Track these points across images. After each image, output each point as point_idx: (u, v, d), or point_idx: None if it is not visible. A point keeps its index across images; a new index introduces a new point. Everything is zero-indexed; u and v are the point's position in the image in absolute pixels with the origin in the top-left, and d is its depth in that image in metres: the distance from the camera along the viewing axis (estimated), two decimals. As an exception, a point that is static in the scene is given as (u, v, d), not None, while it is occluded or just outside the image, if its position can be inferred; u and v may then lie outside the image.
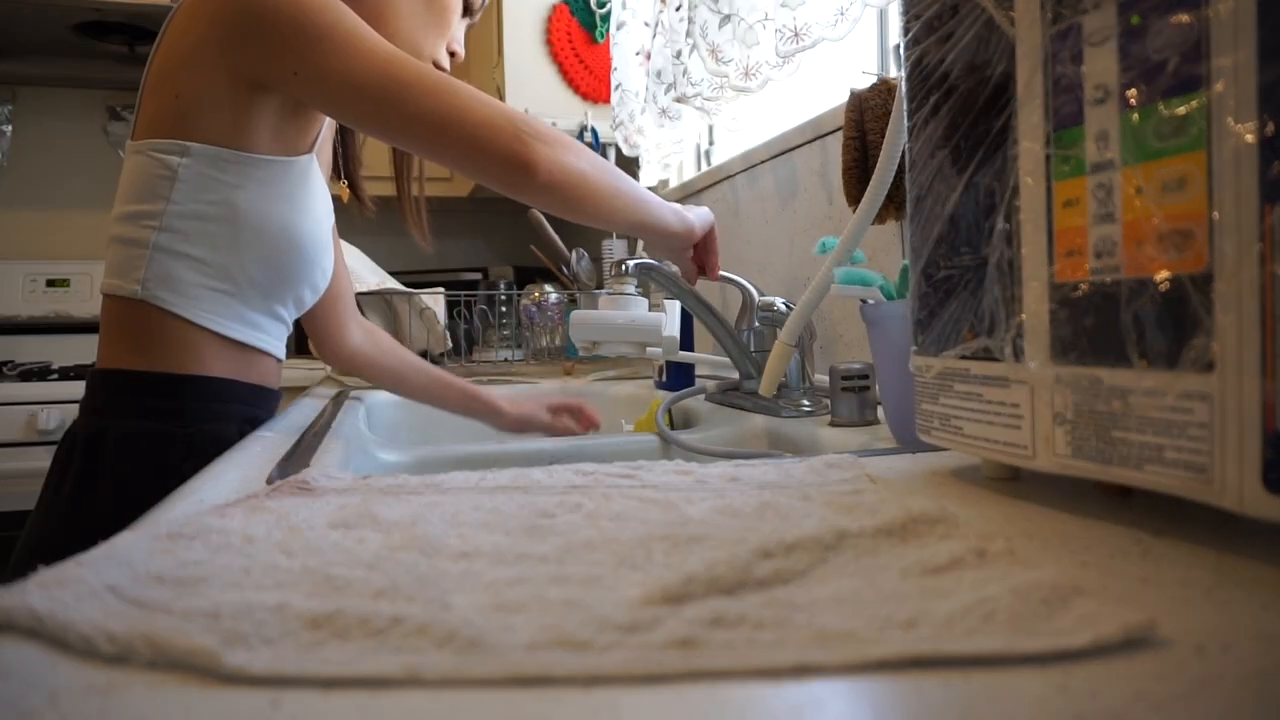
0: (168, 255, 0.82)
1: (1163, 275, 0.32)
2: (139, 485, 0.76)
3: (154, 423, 0.83)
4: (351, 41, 0.73)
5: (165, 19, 0.84)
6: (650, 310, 0.95)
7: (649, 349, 0.92)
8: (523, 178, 0.74)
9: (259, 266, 0.85)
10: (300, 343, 1.54)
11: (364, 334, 1.14)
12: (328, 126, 0.99)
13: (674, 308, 0.92)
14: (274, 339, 0.92)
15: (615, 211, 0.81)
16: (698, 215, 0.91)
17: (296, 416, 0.96)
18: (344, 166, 1.09)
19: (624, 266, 0.94)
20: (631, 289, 0.92)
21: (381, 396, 1.33)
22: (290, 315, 0.94)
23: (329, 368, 1.52)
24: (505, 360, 1.78)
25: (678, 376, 1.29)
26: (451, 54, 0.97)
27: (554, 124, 1.99)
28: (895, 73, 1.12)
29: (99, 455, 0.82)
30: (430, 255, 3.17)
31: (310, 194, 0.88)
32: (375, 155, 1.12)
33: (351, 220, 1.26)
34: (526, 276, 2.42)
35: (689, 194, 1.76)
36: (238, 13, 0.75)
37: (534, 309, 1.81)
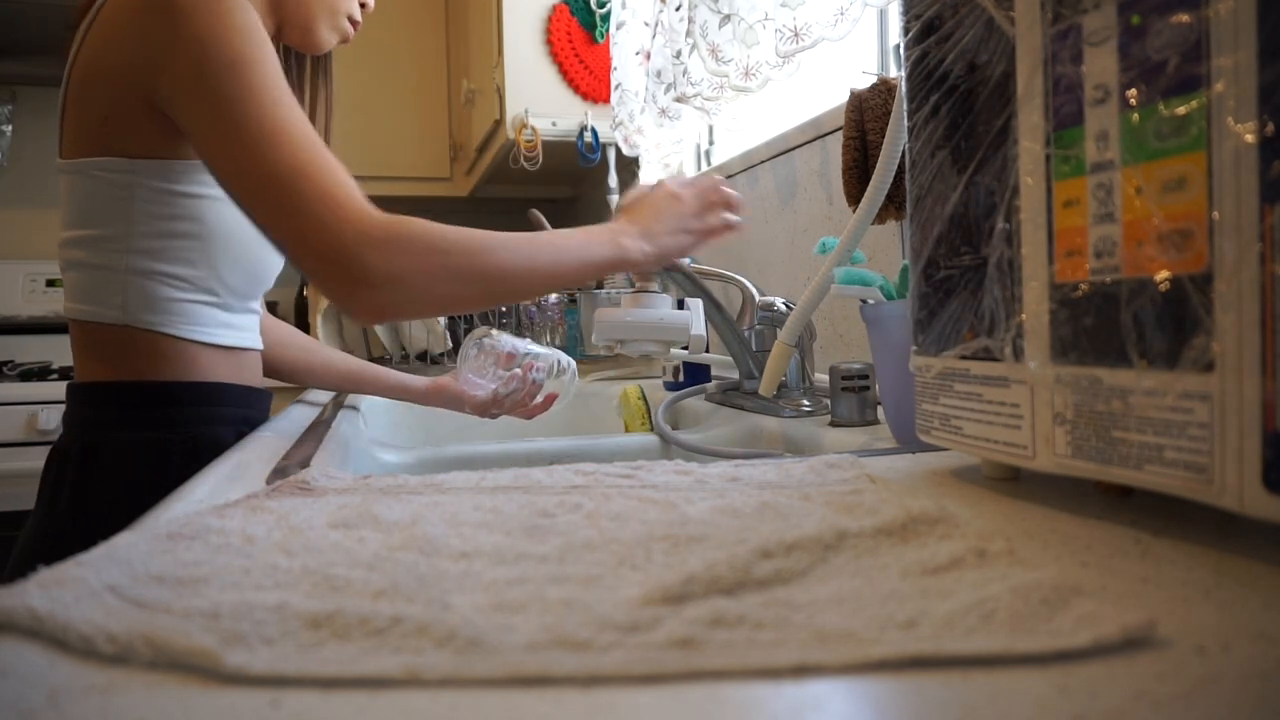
0: (143, 277, 0.79)
1: (1163, 275, 0.32)
2: (140, 495, 0.72)
3: (150, 431, 0.81)
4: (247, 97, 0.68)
5: (83, 22, 0.79)
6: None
7: (672, 349, 0.90)
8: (351, 304, 0.66)
9: (237, 274, 0.84)
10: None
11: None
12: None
13: (697, 306, 0.91)
14: (253, 333, 0.91)
15: (533, 281, 0.72)
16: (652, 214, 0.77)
17: (295, 417, 0.96)
18: None
19: None
20: (655, 286, 0.91)
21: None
22: (260, 305, 0.92)
23: None
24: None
25: (694, 378, 1.22)
26: (363, 4, 0.93)
27: (554, 124, 2.00)
28: (895, 73, 1.12)
29: (95, 469, 0.80)
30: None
31: None
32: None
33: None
34: (526, 276, 2.41)
35: (689, 194, 1.75)
36: (157, 19, 0.71)
37: (534, 309, 1.81)
